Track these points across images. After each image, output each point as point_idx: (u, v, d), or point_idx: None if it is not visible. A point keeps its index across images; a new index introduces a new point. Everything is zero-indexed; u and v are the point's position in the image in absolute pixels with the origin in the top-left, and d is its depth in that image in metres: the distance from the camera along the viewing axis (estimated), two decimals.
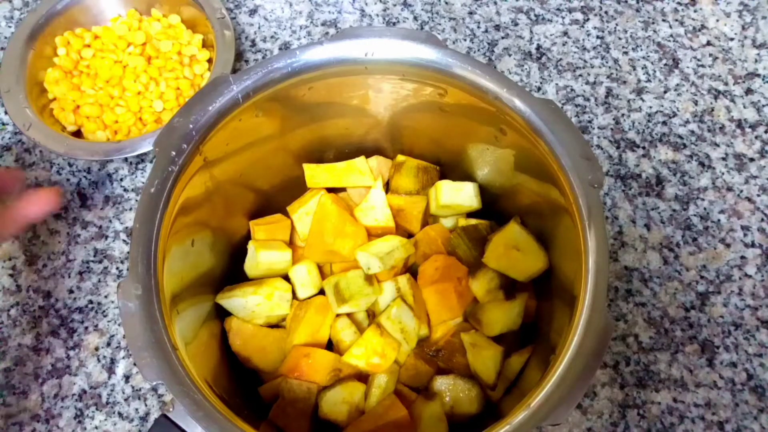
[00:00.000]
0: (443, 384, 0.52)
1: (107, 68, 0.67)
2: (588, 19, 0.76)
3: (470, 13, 0.76)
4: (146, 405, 0.57)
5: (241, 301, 0.53)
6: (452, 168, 0.59)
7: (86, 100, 0.67)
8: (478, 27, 0.75)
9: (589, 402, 0.58)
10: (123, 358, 0.59)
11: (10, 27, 0.77)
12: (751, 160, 0.68)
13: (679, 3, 0.77)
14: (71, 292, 0.62)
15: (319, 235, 0.54)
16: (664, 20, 0.76)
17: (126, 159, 0.67)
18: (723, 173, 0.67)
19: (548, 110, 0.46)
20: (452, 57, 0.47)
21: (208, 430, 0.38)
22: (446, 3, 0.77)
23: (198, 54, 0.70)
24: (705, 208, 0.65)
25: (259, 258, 0.54)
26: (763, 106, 0.71)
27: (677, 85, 0.72)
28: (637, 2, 0.77)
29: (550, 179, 0.47)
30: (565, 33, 0.75)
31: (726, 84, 0.72)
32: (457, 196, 0.56)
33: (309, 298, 0.55)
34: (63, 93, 0.66)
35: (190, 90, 0.69)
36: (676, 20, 0.76)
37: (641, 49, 0.74)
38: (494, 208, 0.58)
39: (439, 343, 0.54)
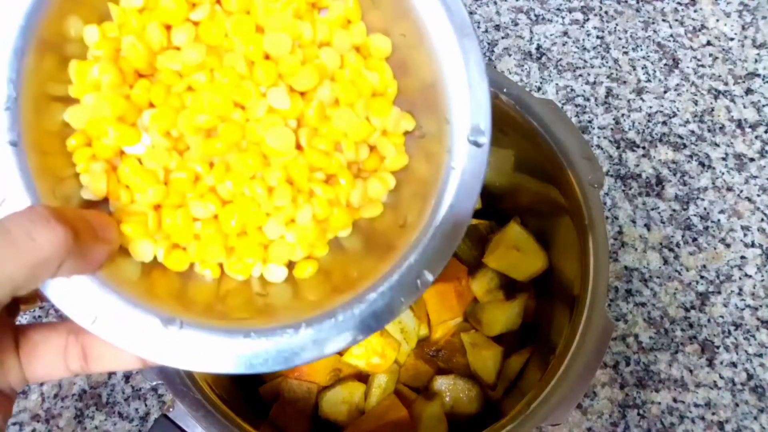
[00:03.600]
0: (443, 384, 0.52)
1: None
2: (588, 19, 0.76)
3: (470, 13, 0.76)
4: (146, 405, 0.57)
5: None
6: None
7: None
8: (478, 27, 0.75)
9: (589, 402, 0.57)
10: None
11: None
12: (751, 160, 0.68)
13: (679, 3, 0.77)
14: None
15: None
16: (664, 20, 0.76)
17: None
18: (723, 173, 0.67)
19: (548, 110, 0.46)
20: None
21: (208, 430, 0.38)
22: None
23: None
24: (705, 208, 0.65)
25: None
26: (763, 106, 0.71)
27: (677, 85, 0.72)
28: (637, 2, 0.77)
29: (550, 179, 0.47)
30: (565, 33, 0.75)
31: (726, 84, 0.72)
32: None
33: None
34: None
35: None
36: (676, 20, 0.76)
37: (641, 49, 0.74)
38: (494, 208, 0.58)
39: (439, 343, 0.54)
